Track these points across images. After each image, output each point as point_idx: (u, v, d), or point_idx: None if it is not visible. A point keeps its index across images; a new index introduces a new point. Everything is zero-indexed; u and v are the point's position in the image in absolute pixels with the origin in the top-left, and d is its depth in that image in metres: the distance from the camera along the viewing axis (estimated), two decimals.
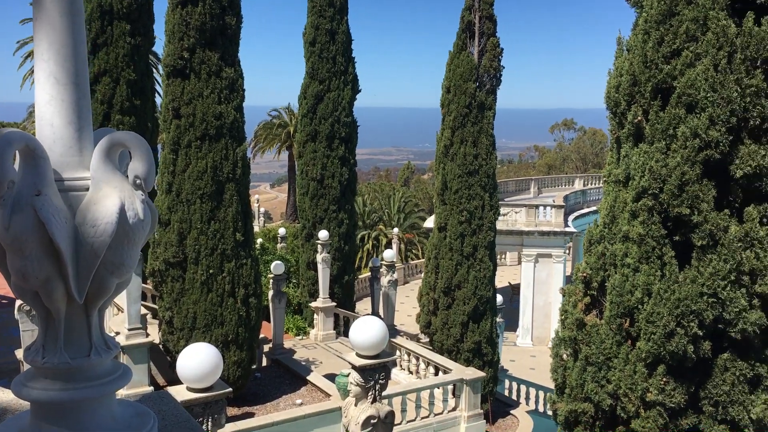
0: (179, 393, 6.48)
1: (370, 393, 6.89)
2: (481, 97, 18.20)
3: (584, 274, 7.18)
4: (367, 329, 6.52)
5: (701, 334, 6.13)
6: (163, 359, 14.63)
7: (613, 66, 7.03)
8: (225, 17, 14.02)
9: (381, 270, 19.17)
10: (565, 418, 7.02)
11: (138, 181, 2.13)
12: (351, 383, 7.00)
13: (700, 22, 6.10)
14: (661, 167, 6.24)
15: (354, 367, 6.91)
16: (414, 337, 20.62)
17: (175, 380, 6.63)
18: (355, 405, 7.01)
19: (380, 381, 6.88)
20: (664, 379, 6.27)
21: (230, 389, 6.65)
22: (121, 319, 13.98)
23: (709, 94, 5.97)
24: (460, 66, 18.13)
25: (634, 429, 6.44)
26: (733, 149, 6.06)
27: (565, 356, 7.36)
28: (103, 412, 2.20)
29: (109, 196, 2.06)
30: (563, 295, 7.47)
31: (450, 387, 15.47)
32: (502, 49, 18.54)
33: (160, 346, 14.54)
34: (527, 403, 20.55)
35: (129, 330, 13.25)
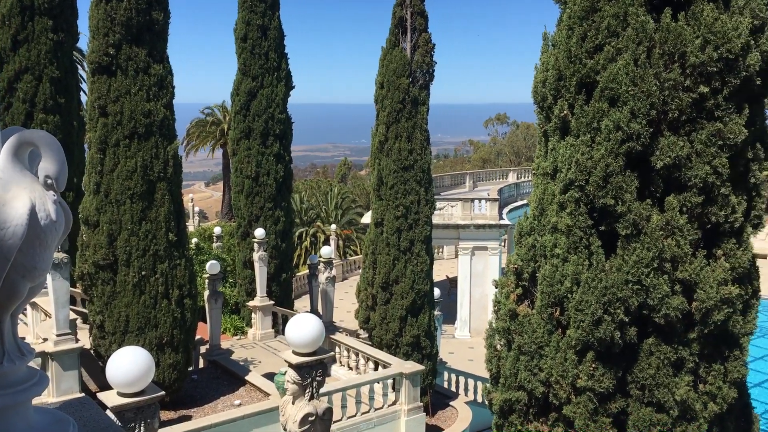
0: (109, 398, 6.31)
1: (307, 390, 6.87)
2: (415, 92, 18.32)
3: (515, 266, 7.33)
4: (302, 326, 6.49)
5: (627, 320, 6.33)
6: (94, 365, 14.22)
7: (540, 61, 7.18)
8: (152, 12, 13.68)
9: (319, 267, 19.13)
10: (500, 407, 7.16)
11: (49, 182, 2.06)
12: (288, 381, 6.95)
13: (620, 18, 6.29)
14: (587, 159, 6.41)
15: (290, 365, 6.86)
16: (353, 333, 20.64)
17: (108, 386, 6.45)
18: (293, 403, 6.97)
19: (317, 378, 6.86)
20: (593, 366, 6.45)
21: (163, 393, 6.50)
22: (49, 325, 13.51)
23: (630, 88, 6.16)
24: (393, 62, 18.20)
25: (566, 415, 6.61)
26: (653, 141, 6.27)
27: (498, 346, 7.49)
28: (19, 421, 2.12)
29: (18, 197, 1.98)
30: (496, 287, 7.60)
31: (390, 381, 15.56)
32: (434, 45, 18.71)
33: (92, 351, 14.13)
34: (466, 394, 20.85)
35: (57, 336, 12.82)
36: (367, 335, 18.90)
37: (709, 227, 6.45)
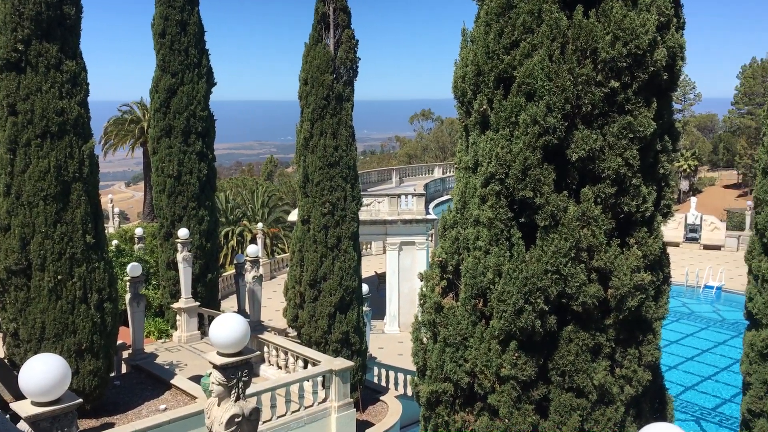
0: (23, 408, 6.05)
1: (233, 391, 6.77)
2: (339, 88, 18.28)
3: (440, 259, 7.42)
4: (226, 326, 6.39)
5: (547, 309, 6.50)
6: (9, 374, 13.58)
7: (459, 57, 7.27)
8: (63, 7, 13.17)
9: (245, 266, 18.88)
10: (427, 399, 7.24)
11: None
12: (213, 383, 6.84)
13: (535, 15, 6.44)
14: (506, 153, 6.54)
15: (215, 366, 6.75)
16: (282, 332, 20.49)
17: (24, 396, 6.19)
18: (219, 405, 6.86)
19: (243, 378, 6.77)
20: (516, 354, 6.60)
21: (80, 400, 6.28)
22: None
23: (545, 83, 6.32)
24: (316, 58, 18.10)
25: (491, 403, 6.75)
26: (568, 134, 6.45)
27: (425, 339, 7.57)
28: None
29: None
30: (421, 280, 7.67)
31: (319, 379, 15.52)
32: (358, 41, 18.71)
33: (6, 360, 13.50)
34: (396, 388, 21.02)
35: None
36: (296, 333, 18.77)
37: (623, 217, 6.69)
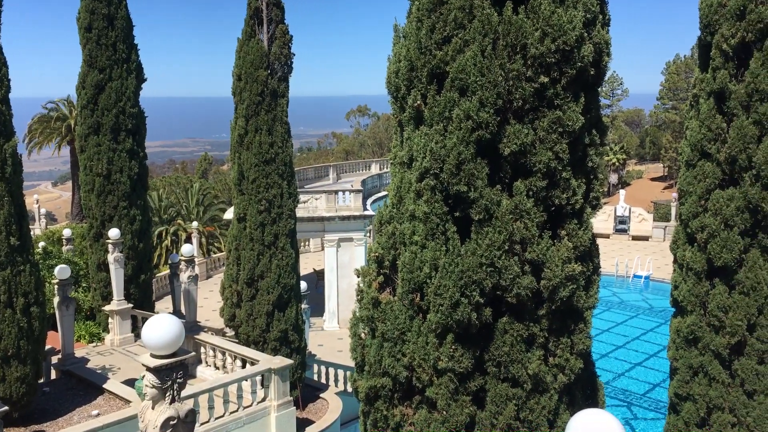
0: None
1: (167, 394, 6.62)
2: (274, 84, 18.09)
3: (376, 254, 7.43)
4: (159, 328, 6.24)
5: (483, 301, 6.60)
6: None
7: (392, 52, 7.29)
8: None
9: (180, 266, 18.51)
10: (366, 395, 7.25)
11: None
12: (146, 386, 6.68)
13: (466, 11, 6.51)
14: (440, 148, 6.59)
15: (148, 369, 6.58)
16: (219, 332, 20.19)
17: None
18: (153, 408, 6.70)
19: (178, 380, 6.63)
20: (453, 347, 6.68)
21: (6, 408, 6.04)
22: None
23: (477, 79, 6.40)
24: (250, 53, 17.85)
25: (429, 396, 6.81)
26: (501, 129, 6.55)
27: (363, 335, 7.58)
28: None
29: None
30: (358, 276, 7.67)
31: (258, 378, 15.36)
32: (292, 36, 18.54)
33: None
34: (336, 385, 21.00)
35: None
36: (233, 333, 18.52)
37: (554, 209, 6.84)
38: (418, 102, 6.90)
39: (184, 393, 7.72)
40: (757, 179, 9.55)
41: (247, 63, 17.88)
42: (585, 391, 7.57)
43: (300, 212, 27.69)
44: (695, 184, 10.22)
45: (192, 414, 6.64)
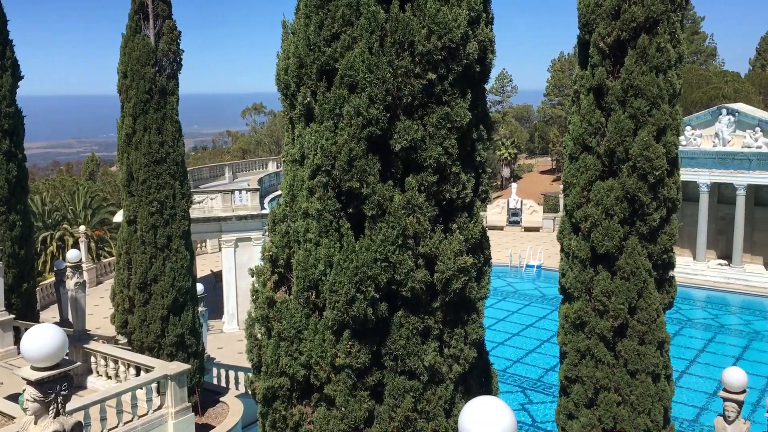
0: None
1: (51, 407, 6.31)
2: (162, 81, 17.52)
3: (271, 253, 7.34)
4: (39, 339, 5.93)
5: (378, 296, 6.65)
6: None
7: (281, 49, 7.21)
8: None
9: (66, 272, 17.63)
10: (264, 395, 7.15)
11: None
12: (27, 400, 6.34)
13: (353, 8, 6.52)
14: (331, 145, 6.59)
15: (29, 382, 6.25)
16: (111, 340, 19.40)
17: None
18: (36, 423, 6.37)
19: (62, 392, 6.33)
20: (350, 343, 6.69)
21: None
22: None
23: (366, 75, 6.43)
24: (136, 49, 17.20)
25: (327, 393, 6.80)
26: (391, 125, 6.61)
27: (259, 335, 7.47)
28: None
29: None
30: (252, 276, 7.55)
31: (154, 385, 14.85)
32: (180, 32, 18.02)
33: None
34: (237, 388, 20.65)
35: None
36: (126, 340, 17.83)
37: (445, 203, 6.98)
38: (308, 99, 6.86)
39: (73, 405, 7.38)
40: (634, 170, 10.13)
41: (133, 60, 17.22)
42: (480, 380, 7.78)
43: (195, 213, 26.99)
44: (578, 176, 10.72)
45: (79, 427, 6.36)
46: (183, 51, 18.23)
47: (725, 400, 10.13)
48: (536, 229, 52.99)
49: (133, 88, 17.28)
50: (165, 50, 17.74)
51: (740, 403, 10.18)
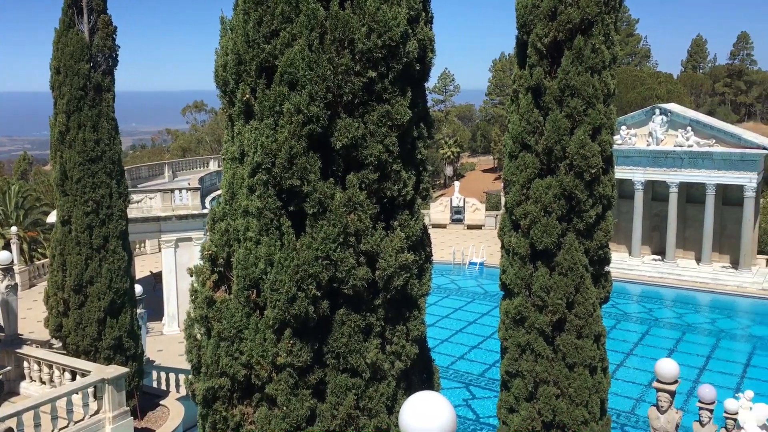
0: None
1: None
2: (98, 78, 17.06)
3: (210, 252, 7.22)
4: None
5: (320, 294, 6.62)
6: None
7: (220, 45, 7.11)
8: None
9: None
10: (203, 397, 7.04)
11: None
12: None
13: (293, 4, 6.48)
14: (272, 142, 6.53)
15: None
16: (45, 344, 18.80)
17: None
18: None
19: None
20: (292, 342, 6.65)
21: None
22: None
23: (307, 73, 6.40)
24: (69, 45, 16.69)
25: (269, 393, 6.74)
26: (332, 123, 6.60)
27: (199, 336, 7.35)
28: None
29: None
30: (191, 276, 7.43)
31: (90, 390, 14.47)
32: (116, 27, 17.56)
33: None
34: (178, 390, 20.30)
35: None
36: (61, 344, 17.29)
37: (386, 201, 7.00)
38: (248, 96, 6.79)
39: (5, 412, 7.09)
40: (571, 168, 10.37)
41: (66, 55, 16.70)
42: (421, 376, 7.84)
43: (133, 213, 26.40)
44: (518, 174, 10.90)
45: None
46: (119, 47, 17.77)
47: (658, 390, 10.49)
48: (479, 227, 53.70)
49: (67, 85, 16.76)
50: (100, 46, 17.27)
51: (672, 393, 10.55)
